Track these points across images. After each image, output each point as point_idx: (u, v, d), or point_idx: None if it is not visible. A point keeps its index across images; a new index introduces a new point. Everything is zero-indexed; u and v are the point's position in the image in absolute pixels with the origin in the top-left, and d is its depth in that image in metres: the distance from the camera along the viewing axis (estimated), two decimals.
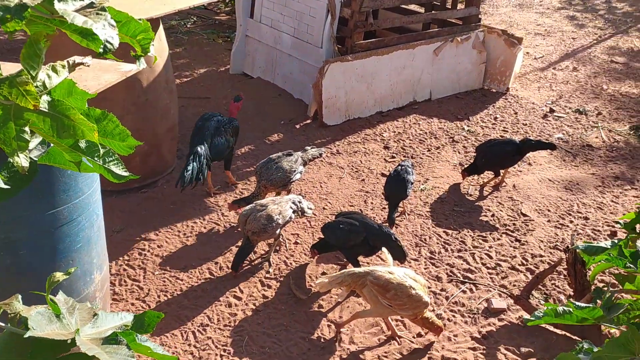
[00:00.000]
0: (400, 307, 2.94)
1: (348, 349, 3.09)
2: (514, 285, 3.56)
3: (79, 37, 0.99)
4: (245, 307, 3.35)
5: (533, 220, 4.20)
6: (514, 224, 4.15)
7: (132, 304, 3.35)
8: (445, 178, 4.73)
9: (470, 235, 4.01)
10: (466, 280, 3.60)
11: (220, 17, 8.62)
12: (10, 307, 1.11)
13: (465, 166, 4.68)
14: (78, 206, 2.55)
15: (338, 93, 5.41)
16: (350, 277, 3.01)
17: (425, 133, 5.44)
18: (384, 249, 3.33)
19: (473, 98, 6.21)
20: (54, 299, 1.10)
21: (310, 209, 3.81)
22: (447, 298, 3.45)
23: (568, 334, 3.16)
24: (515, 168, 4.82)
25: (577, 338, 3.10)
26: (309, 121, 5.57)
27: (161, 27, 4.30)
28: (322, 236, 3.57)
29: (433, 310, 3.32)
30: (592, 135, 5.51)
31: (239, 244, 3.70)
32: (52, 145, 1.14)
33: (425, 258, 3.79)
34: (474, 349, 3.11)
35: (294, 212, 3.64)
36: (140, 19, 1.13)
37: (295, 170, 4.02)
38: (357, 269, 3.11)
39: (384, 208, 4.24)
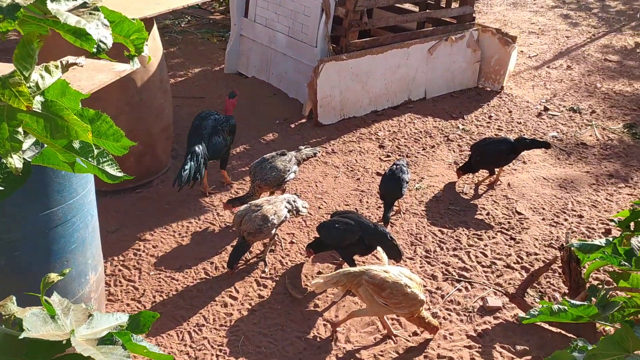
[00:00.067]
0: (396, 306, 2.95)
1: (344, 348, 3.09)
2: (509, 284, 3.57)
3: (72, 37, 0.99)
4: (241, 306, 3.35)
5: (528, 218, 4.21)
6: (509, 222, 4.16)
7: (128, 305, 3.34)
8: (440, 177, 4.74)
9: (466, 234, 4.02)
10: (461, 279, 3.60)
11: (214, 16, 8.60)
12: (4, 308, 1.11)
13: (460, 165, 4.69)
14: (72, 207, 2.54)
15: (333, 92, 5.42)
16: (346, 277, 3.01)
17: (420, 132, 5.45)
18: (379, 248, 3.34)
19: (468, 97, 6.22)
20: (49, 300, 1.09)
21: (305, 208, 3.82)
22: (442, 296, 3.46)
23: (563, 332, 3.17)
24: (510, 166, 4.83)
25: (572, 336, 3.11)
26: (304, 120, 5.57)
27: (155, 26, 4.28)
28: (318, 235, 3.57)
29: (429, 309, 3.32)
30: (586, 133, 5.53)
31: (234, 243, 3.70)
32: (45, 146, 1.13)
33: (420, 257, 3.79)
34: (469, 347, 3.12)
35: (289, 211, 3.64)
36: (133, 19, 1.13)
37: (289, 170, 4.02)
38: (352, 268, 3.11)
39: (380, 207, 4.24)
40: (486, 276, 3.64)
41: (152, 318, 1.16)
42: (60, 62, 1.08)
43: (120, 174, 1.17)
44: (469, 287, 3.55)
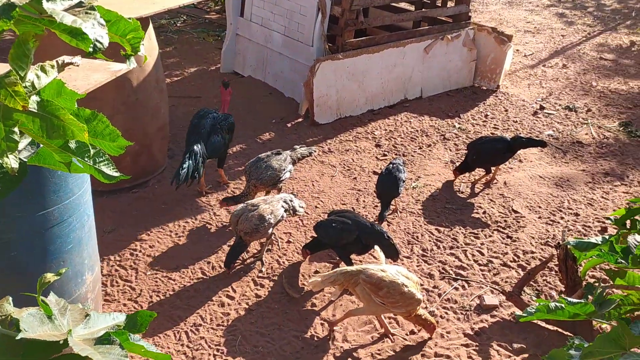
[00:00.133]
0: (393, 305, 2.95)
1: (341, 347, 3.09)
2: (506, 282, 3.58)
3: (68, 37, 0.99)
4: (238, 306, 3.34)
5: (524, 216, 4.22)
6: (505, 221, 4.16)
7: (124, 305, 3.33)
8: (437, 175, 4.75)
9: (462, 233, 4.03)
10: (458, 277, 3.61)
11: (210, 15, 8.59)
12: (1, 309, 1.10)
13: (457, 164, 4.70)
14: (69, 207, 2.54)
15: (329, 91, 5.42)
16: (343, 276, 3.02)
17: (417, 131, 5.45)
18: (376, 247, 3.34)
19: (464, 95, 6.23)
20: (46, 300, 1.09)
21: (302, 207, 3.81)
22: (439, 295, 3.47)
23: (560, 330, 3.18)
24: (506, 165, 4.84)
25: (569, 334, 3.12)
26: (300, 120, 5.57)
27: (151, 26, 4.28)
28: (315, 235, 3.57)
29: (426, 308, 3.32)
30: (582, 132, 5.54)
31: (231, 243, 3.70)
32: (41, 145, 1.13)
33: (417, 255, 3.80)
34: (466, 345, 3.12)
35: (285, 211, 3.64)
36: (129, 18, 1.13)
37: (284, 169, 4.02)
38: (349, 268, 3.11)
39: (376, 206, 4.24)
40: (483, 274, 3.65)
41: (149, 317, 1.16)
42: (56, 61, 1.08)
43: (116, 174, 1.17)
44: (466, 285, 3.55)
